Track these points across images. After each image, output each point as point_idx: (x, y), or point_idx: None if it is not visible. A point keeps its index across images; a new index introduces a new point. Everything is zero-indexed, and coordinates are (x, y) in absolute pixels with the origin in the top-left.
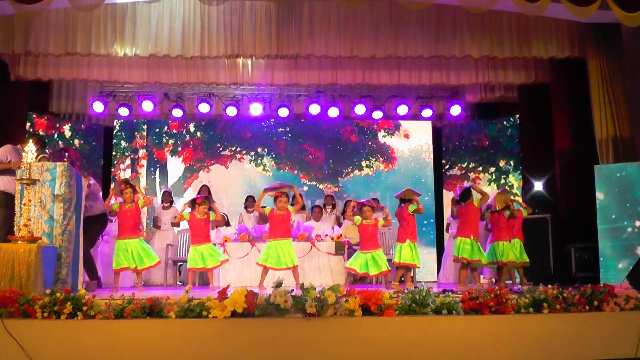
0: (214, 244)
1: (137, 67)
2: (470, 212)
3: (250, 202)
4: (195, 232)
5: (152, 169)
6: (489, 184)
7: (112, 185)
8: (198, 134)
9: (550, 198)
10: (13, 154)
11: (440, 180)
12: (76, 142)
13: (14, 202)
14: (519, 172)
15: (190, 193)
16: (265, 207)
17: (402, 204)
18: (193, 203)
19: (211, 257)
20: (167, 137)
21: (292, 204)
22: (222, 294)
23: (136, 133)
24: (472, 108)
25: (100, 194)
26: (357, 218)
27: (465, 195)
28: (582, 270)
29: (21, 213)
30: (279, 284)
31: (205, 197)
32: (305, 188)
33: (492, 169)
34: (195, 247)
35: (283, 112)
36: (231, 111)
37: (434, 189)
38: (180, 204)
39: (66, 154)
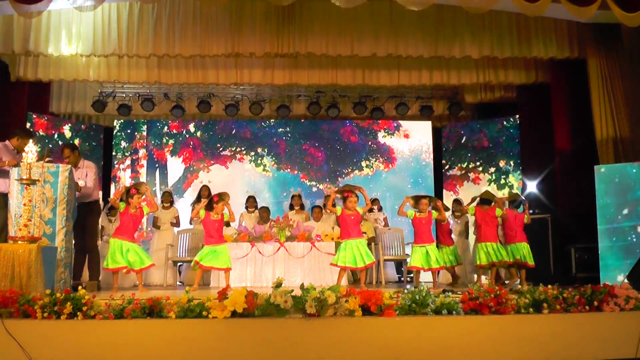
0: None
1: (137, 67)
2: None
3: (251, 202)
4: (210, 232)
5: (152, 169)
6: (489, 184)
7: (113, 186)
8: (198, 134)
9: (550, 198)
10: (4, 152)
11: (440, 181)
12: (76, 142)
13: (8, 202)
14: (519, 172)
15: (191, 193)
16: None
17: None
18: (210, 204)
19: (225, 258)
20: (167, 137)
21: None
22: (222, 294)
23: (136, 133)
24: (472, 108)
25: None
26: (410, 212)
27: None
28: (582, 271)
29: (21, 213)
30: (278, 284)
31: (220, 197)
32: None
33: (492, 169)
34: (209, 247)
35: (283, 112)
36: (231, 111)
37: (434, 189)
38: (181, 204)
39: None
